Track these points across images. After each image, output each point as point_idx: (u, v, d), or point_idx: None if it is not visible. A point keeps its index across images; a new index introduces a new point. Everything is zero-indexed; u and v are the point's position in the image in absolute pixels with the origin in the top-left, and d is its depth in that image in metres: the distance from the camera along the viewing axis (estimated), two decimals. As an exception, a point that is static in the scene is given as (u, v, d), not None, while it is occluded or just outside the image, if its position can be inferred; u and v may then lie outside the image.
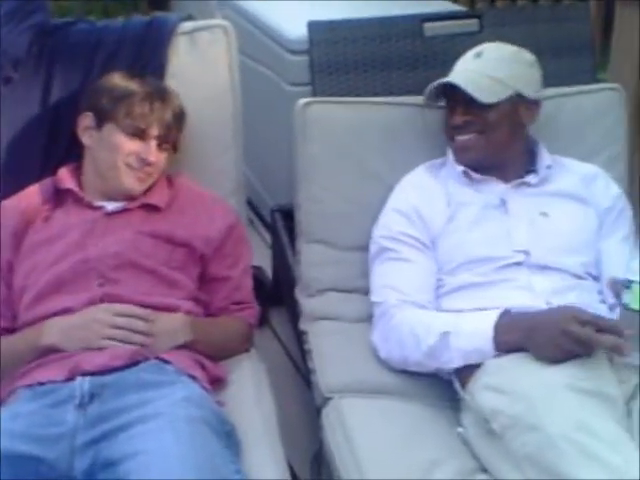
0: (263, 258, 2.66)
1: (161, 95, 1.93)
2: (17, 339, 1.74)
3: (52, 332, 1.69)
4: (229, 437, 1.58)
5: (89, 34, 2.14)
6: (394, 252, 1.92)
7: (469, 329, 1.72)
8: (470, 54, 1.98)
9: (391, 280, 1.89)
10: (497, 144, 1.94)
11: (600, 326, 1.58)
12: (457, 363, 1.72)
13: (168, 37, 2.12)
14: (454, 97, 1.93)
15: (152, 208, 1.89)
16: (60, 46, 2.10)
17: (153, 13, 2.29)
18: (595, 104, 2.23)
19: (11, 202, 1.90)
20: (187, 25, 2.16)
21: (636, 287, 1.60)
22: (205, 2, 3.60)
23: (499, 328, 1.68)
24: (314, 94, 2.20)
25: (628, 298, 1.61)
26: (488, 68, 1.93)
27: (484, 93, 1.89)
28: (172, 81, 2.06)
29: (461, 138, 1.94)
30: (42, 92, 2.07)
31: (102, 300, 1.74)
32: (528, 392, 1.56)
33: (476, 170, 1.96)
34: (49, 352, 1.68)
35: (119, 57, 2.11)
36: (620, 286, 1.63)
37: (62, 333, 1.69)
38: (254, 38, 2.99)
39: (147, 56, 2.11)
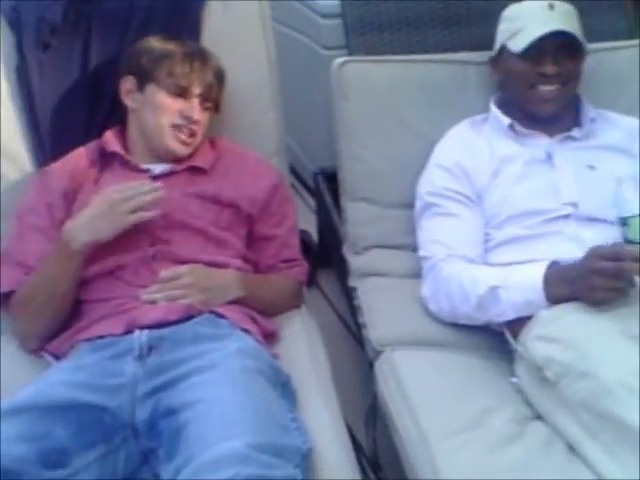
0: (308, 223, 2.67)
1: (201, 54, 1.94)
2: (50, 261, 1.77)
3: (78, 235, 1.72)
4: (284, 387, 1.60)
5: (122, 1, 2.13)
6: (440, 207, 1.92)
7: (518, 282, 1.71)
8: (542, 5, 1.93)
9: (439, 235, 1.89)
10: (571, 96, 1.96)
11: (624, 255, 1.58)
12: (509, 316, 1.72)
13: (201, 2, 2.13)
14: (543, 47, 1.89)
15: (198, 170, 1.91)
16: (95, 12, 2.11)
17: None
18: (630, 60, 2.20)
19: (59, 165, 1.92)
20: (220, -10, 2.16)
21: (633, 221, 1.67)
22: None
23: (548, 280, 1.68)
24: (349, 54, 2.20)
25: (630, 233, 1.67)
26: (566, 21, 1.92)
27: (582, 44, 1.91)
28: (207, 44, 2.06)
29: (547, 88, 1.91)
30: (81, 58, 2.08)
31: (154, 258, 1.77)
32: (580, 340, 1.57)
33: (523, 124, 1.96)
34: (90, 250, 1.73)
35: (153, 22, 2.11)
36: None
37: (88, 229, 1.72)
38: (288, 5, 2.99)
39: (181, 21, 2.12)
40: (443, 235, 1.89)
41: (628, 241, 1.67)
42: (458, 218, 1.89)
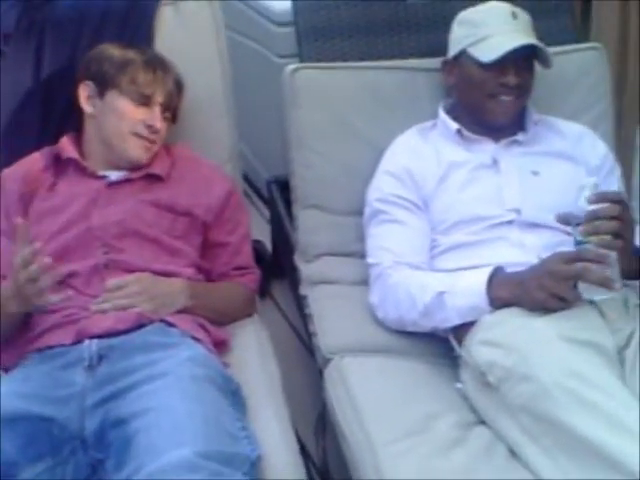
0: (262, 233, 2.69)
1: (162, 63, 1.96)
2: None
3: (8, 302, 1.66)
4: (234, 395, 1.62)
5: (75, 7, 2.14)
6: (387, 214, 1.94)
7: (463, 287, 1.75)
8: (505, 14, 1.95)
9: (385, 242, 1.92)
10: (523, 107, 2.00)
11: (587, 258, 1.60)
12: (454, 321, 1.75)
13: (154, 7, 2.14)
14: (506, 57, 1.89)
15: (154, 177, 1.92)
16: (48, 19, 2.12)
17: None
18: (577, 64, 2.25)
19: (12, 169, 1.92)
20: (171, -5, 2.17)
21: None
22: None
23: (492, 284, 1.71)
24: (301, 61, 2.20)
25: (581, 234, 1.66)
26: (529, 31, 1.96)
27: (549, 57, 1.95)
28: (160, 50, 2.07)
29: (507, 99, 1.93)
30: (34, 65, 2.09)
31: (106, 266, 1.78)
32: (521, 344, 1.60)
33: (470, 129, 1.99)
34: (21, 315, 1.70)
35: (106, 28, 2.13)
36: (572, 222, 1.67)
37: (14, 301, 1.66)
38: (242, 13, 3.00)
39: (134, 27, 2.13)
40: (390, 242, 1.91)
41: (579, 242, 1.67)
42: (404, 225, 1.92)
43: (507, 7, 1.97)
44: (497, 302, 1.71)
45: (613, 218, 1.62)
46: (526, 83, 1.95)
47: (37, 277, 1.58)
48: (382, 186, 1.98)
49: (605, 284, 1.59)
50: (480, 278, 1.73)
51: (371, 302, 1.92)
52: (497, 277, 1.73)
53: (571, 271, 1.61)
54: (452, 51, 2.03)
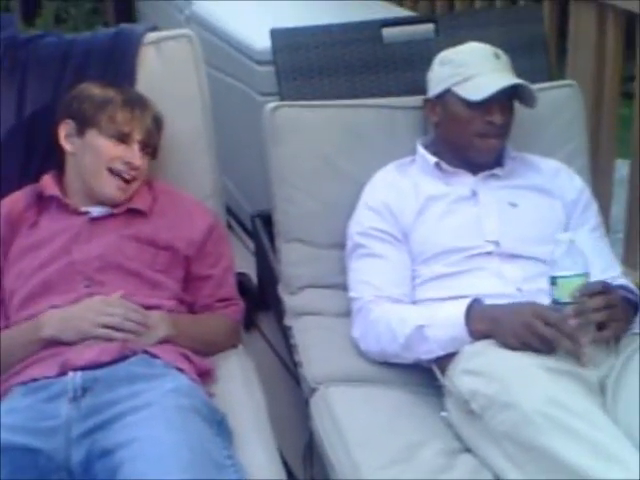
0: (248, 265, 2.71)
1: (140, 101, 1.99)
2: (15, 333, 1.77)
3: (51, 324, 1.73)
4: (220, 425, 1.61)
5: (58, 46, 2.18)
6: (367, 248, 1.96)
7: (442, 319, 1.77)
8: (488, 55, 1.99)
9: (366, 276, 1.94)
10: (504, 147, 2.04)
11: (561, 330, 1.64)
12: (437, 353, 1.77)
13: (135, 47, 2.18)
14: (492, 97, 1.92)
15: (136, 212, 1.93)
16: (31, 59, 2.15)
17: (120, 25, 2.30)
18: (551, 101, 2.27)
19: None
20: (153, 35, 2.21)
21: (561, 281, 1.69)
22: (172, 17, 3.66)
23: (470, 316, 1.74)
24: (281, 99, 2.24)
25: (556, 294, 1.70)
26: (510, 71, 2.00)
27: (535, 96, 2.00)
28: (142, 89, 2.10)
29: (492, 139, 1.97)
30: (16, 103, 2.11)
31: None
32: (502, 373, 1.62)
33: (449, 162, 2.02)
34: (47, 344, 1.72)
35: (89, 68, 2.15)
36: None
37: (60, 324, 1.72)
38: (223, 52, 3.05)
39: (116, 66, 2.16)
40: (370, 276, 1.94)
41: (554, 301, 1.70)
42: (384, 258, 1.94)
43: (488, 48, 2.02)
44: (475, 334, 1.73)
45: (600, 309, 1.66)
46: (509, 122, 1.99)
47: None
48: (362, 220, 2.01)
49: (576, 358, 1.65)
50: (458, 310, 1.75)
51: (353, 336, 1.93)
52: (475, 310, 1.75)
53: (545, 333, 1.64)
54: (434, 90, 2.05)
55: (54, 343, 1.72)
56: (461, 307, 1.75)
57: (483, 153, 1.99)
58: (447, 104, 2.01)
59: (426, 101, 2.10)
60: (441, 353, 1.77)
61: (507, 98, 1.97)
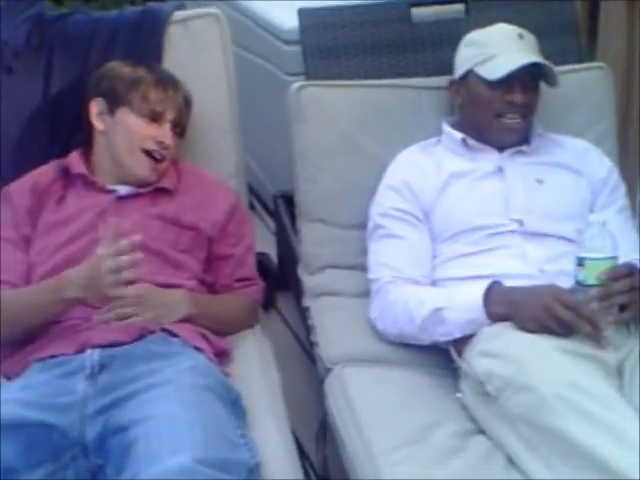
0: (268, 245, 2.72)
1: (172, 81, 2.00)
2: (37, 292, 1.77)
3: (73, 287, 1.70)
4: (234, 404, 1.63)
5: (85, 24, 2.20)
6: (386, 229, 1.97)
7: (461, 302, 1.77)
8: (512, 35, 1.99)
9: (385, 257, 1.95)
10: (528, 127, 2.02)
11: (581, 314, 1.63)
12: (455, 335, 1.77)
13: (162, 25, 2.18)
14: (513, 76, 1.92)
15: (162, 191, 1.95)
16: (58, 37, 2.17)
17: (147, 3, 2.32)
18: (581, 83, 2.27)
19: (21, 182, 1.96)
20: (180, 14, 2.22)
21: (589, 263, 1.67)
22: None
23: (488, 299, 1.73)
24: (307, 78, 2.24)
25: (582, 275, 1.68)
26: (535, 51, 1.98)
27: (555, 76, 1.98)
28: (168, 68, 2.11)
29: (513, 119, 1.95)
30: (43, 81, 2.13)
31: None
32: (519, 355, 1.62)
33: (475, 139, 2.01)
34: (71, 305, 1.72)
35: (116, 46, 2.17)
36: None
37: (82, 288, 1.69)
38: (251, 31, 3.05)
39: (143, 44, 2.17)
40: (389, 257, 1.94)
41: (579, 282, 1.69)
42: (404, 239, 1.94)
43: (514, 28, 2.01)
44: (493, 317, 1.73)
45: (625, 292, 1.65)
46: (532, 102, 1.98)
47: (120, 269, 1.63)
48: (382, 200, 2.01)
49: (596, 342, 1.64)
50: (477, 293, 1.75)
51: (371, 317, 1.94)
52: (493, 292, 1.74)
53: (565, 316, 1.63)
54: (459, 71, 2.06)
55: (75, 312, 1.73)
56: (480, 289, 1.75)
57: (505, 133, 1.98)
58: (470, 85, 2.01)
59: (451, 83, 2.10)
60: (458, 335, 1.77)
61: (530, 78, 1.95)
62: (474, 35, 2.06)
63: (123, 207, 1.91)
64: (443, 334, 1.79)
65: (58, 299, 1.72)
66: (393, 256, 1.93)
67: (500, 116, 1.96)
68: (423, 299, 1.83)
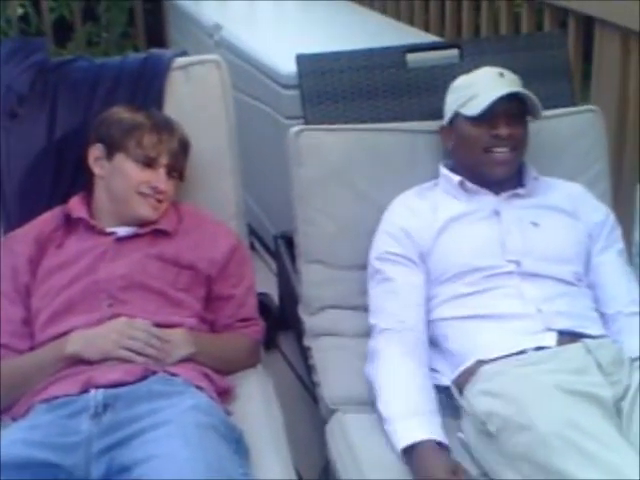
0: (270, 285, 2.74)
1: (168, 126, 2.03)
2: (41, 353, 1.82)
3: (76, 342, 1.77)
4: (238, 443, 1.64)
5: (88, 71, 2.24)
6: (382, 273, 1.98)
7: (395, 429, 1.74)
8: (492, 74, 2.03)
9: (381, 303, 1.96)
10: (520, 161, 2.05)
11: None
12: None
13: (164, 71, 2.23)
14: (496, 110, 1.95)
15: (161, 232, 1.98)
16: (62, 83, 2.20)
17: (150, 50, 2.36)
18: (573, 126, 2.30)
19: (24, 230, 1.99)
20: (181, 60, 2.27)
21: None
22: (201, 42, 3.72)
23: (409, 453, 1.69)
24: (305, 123, 2.27)
25: None
26: (516, 86, 2.01)
27: (537, 104, 2.00)
28: (170, 113, 2.16)
29: (501, 151, 1.98)
30: (47, 126, 2.17)
31: (111, 319, 1.81)
32: (520, 394, 1.64)
33: (472, 182, 2.03)
34: (71, 363, 1.76)
35: (118, 92, 2.21)
36: None
37: (85, 342, 1.76)
38: (251, 75, 3.10)
39: (145, 90, 2.21)
40: (384, 302, 1.95)
41: None
42: (395, 281, 1.95)
43: (494, 69, 2.05)
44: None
45: None
46: (518, 134, 2.00)
47: (131, 336, 1.75)
48: (379, 245, 2.03)
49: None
50: (410, 436, 1.70)
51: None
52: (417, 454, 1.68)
53: None
54: (447, 116, 2.10)
55: (77, 362, 1.76)
56: (413, 439, 1.69)
57: (496, 166, 2.00)
58: (457, 127, 2.06)
59: (442, 129, 2.14)
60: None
61: (514, 111, 1.98)
62: (457, 81, 2.11)
63: (122, 248, 1.94)
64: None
65: (59, 357, 1.76)
66: (387, 300, 1.94)
67: (488, 151, 1.99)
68: (386, 399, 1.80)
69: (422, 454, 1.67)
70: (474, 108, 1.98)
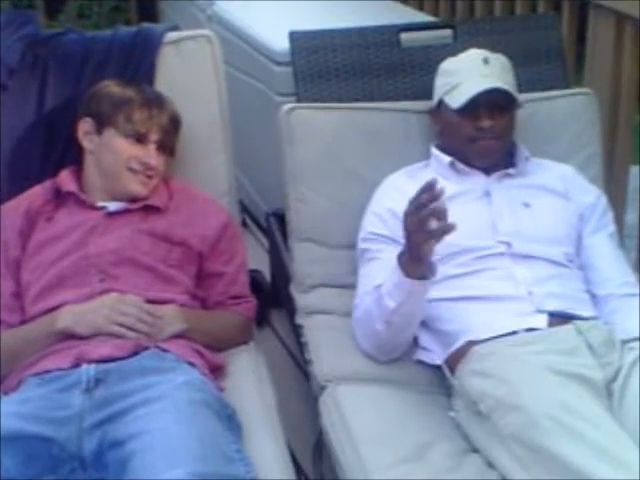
0: (262, 262, 2.74)
1: (158, 101, 2.01)
2: (32, 327, 1.81)
3: (67, 317, 1.76)
4: (230, 420, 1.64)
5: (79, 44, 2.21)
6: (368, 253, 1.97)
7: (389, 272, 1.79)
8: (477, 60, 2.02)
9: (368, 280, 1.93)
10: (507, 147, 2.05)
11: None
12: (390, 306, 1.77)
13: (156, 46, 2.20)
14: (478, 102, 1.95)
15: (152, 208, 1.96)
16: (52, 55, 2.18)
17: (141, 24, 2.34)
18: (566, 108, 2.30)
19: (14, 203, 1.97)
20: (173, 35, 2.24)
21: None
22: (194, 17, 3.69)
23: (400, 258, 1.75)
24: (298, 100, 2.26)
25: None
26: (501, 75, 2.00)
27: (516, 99, 2.00)
28: (161, 88, 2.14)
29: (486, 142, 1.98)
30: (37, 99, 2.14)
31: (102, 294, 1.80)
32: (510, 375, 1.64)
33: (462, 163, 2.03)
34: (62, 338, 1.75)
35: (109, 66, 2.19)
36: None
37: (76, 317, 1.76)
38: (243, 52, 3.07)
39: (136, 64, 2.19)
40: (371, 280, 1.92)
41: None
42: (383, 262, 1.91)
43: (480, 54, 2.04)
44: (406, 270, 1.73)
45: None
46: (502, 124, 1.99)
47: (123, 312, 1.75)
48: (365, 225, 2.03)
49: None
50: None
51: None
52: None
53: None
54: (434, 100, 2.10)
55: (68, 337, 1.75)
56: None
57: (480, 156, 2.01)
58: (442, 113, 2.07)
59: (430, 111, 2.14)
60: (393, 305, 1.77)
61: (497, 101, 1.97)
62: (445, 64, 2.11)
63: (113, 223, 1.92)
64: (385, 312, 1.79)
65: (50, 331, 1.76)
66: (373, 278, 1.92)
67: (473, 141, 1.99)
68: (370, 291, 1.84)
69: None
70: (456, 99, 1.98)
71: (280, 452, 1.65)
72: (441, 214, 1.61)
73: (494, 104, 1.97)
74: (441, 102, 2.06)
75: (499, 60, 2.04)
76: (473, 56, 2.05)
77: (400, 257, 1.75)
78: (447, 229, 1.61)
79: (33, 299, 1.83)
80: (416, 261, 1.71)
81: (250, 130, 2.98)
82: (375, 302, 1.82)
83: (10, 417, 1.53)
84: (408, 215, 1.66)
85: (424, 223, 1.62)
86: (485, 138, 1.98)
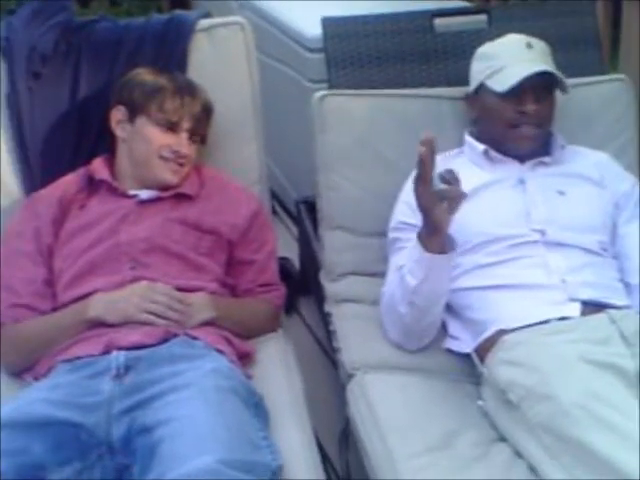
0: (291, 250, 2.73)
1: (190, 89, 2.02)
2: (63, 314, 1.83)
3: (97, 305, 1.78)
4: (257, 407, 1.65)
5: (112, 32, 2.22)
6: (399, 242, 1.96)
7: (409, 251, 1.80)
8: (520, 44, 1.99)
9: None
10: (546, 135, 2.02)
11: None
12: (412, 284, 1.77)
13: (188, 34, 2.21)
14: (524, 86, 1.92)
15: (183, 196, 1.97)
16: (85, 43, 2.19)
17: (173, 11, 2.34)
18: (602, 94, 2.28)
19: (48, 191, 1.99)
20: (205, 22, 2.24)
21: None
22: (225, 3, 3.69)
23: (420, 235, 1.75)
24: (330, 87, 2.26)
25: None
26: (544, 60, 1.98)
27: (564, 82, 1.97)
28: (193, 76, 2.14)
29: (527, 128, 1.96)
30: (70, 87, 2.16)
31: (133, 282, 1.82)
32: (541, 364, 1.63)
33: (496, 150, 2.01)
34: (93, 325, 1.76)
35: (142, 54, 2.19)
36: None
37: (106, 306, 1.77)
38: (275, 38, 3.07)
39: (168, 52, 2.19)
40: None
41: None
42: None
43: (522, 38, 2.01)
44: (426, 245, 1.74)
45: None
46: (545, 110, 1.97)
47: (155, 300, 1.77)
48: (397, 215, 2.02)
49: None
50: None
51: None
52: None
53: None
54: (472, 85, 2.07)
55: (99, 324, 1.76)
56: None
57: (522, 143, 1.98)
58: (482, 98, 2.03)
59: (467, 96, 2.11)
60: (414, 283, 1.76)
61: (541, 86, 1.95)
62: (484, 48, 2.08)
63: (144, 211, 1.94)
64: (409, 291, 1.78)
65: (81, 319, 1.78)
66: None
67: (515, 127, 1.97)
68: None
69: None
70: (501, 83, 1.95)
71: (307, 440, 1.65)
72: (449, 177, 1.63)
73: (541, 88, 1.95)
74: (481, 86, 2.03)
75: (540, 45, 2.01)
76: (515, 40, 2.02)
77: (419, 233, 1.75)
78: (456, 193, 1.63)
79: (65, 286, 1.85)
80: (433, 233, 1.71)
81: (281, 117, 2.98)
82: (398, 283, 1.82)
83: (40, 403, 1.55)
84: (414, 181, 1.66)
85: (428, 182, 1.63)
86: (528, 123, 1.95)
